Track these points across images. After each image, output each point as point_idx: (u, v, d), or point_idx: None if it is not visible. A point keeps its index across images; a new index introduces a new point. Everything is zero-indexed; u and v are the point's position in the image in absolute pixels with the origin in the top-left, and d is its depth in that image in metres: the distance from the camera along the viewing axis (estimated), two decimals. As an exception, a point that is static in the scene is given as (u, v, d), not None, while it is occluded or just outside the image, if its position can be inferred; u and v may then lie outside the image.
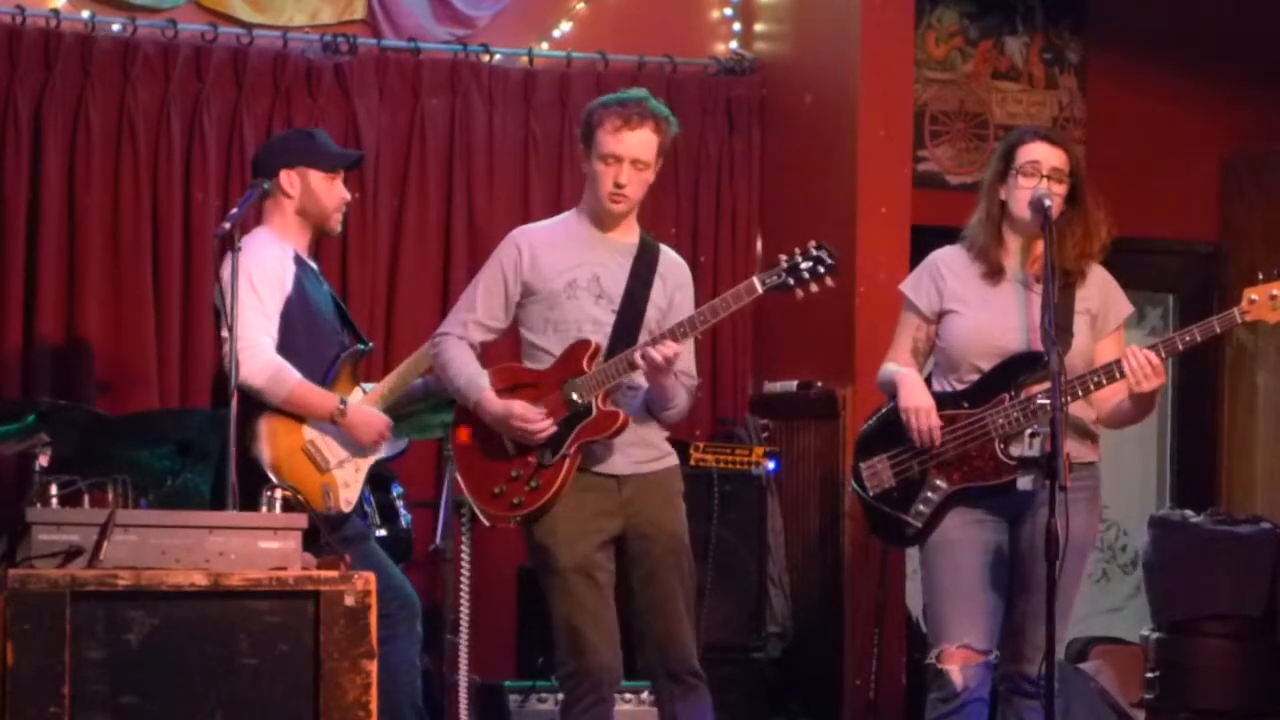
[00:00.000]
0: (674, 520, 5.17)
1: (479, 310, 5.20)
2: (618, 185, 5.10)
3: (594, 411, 5.04)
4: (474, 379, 5.13)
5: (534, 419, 5.04)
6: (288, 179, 5.51)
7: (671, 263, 5.27)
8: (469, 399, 5.14)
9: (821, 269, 5.00)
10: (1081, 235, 5.23)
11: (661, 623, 5.11)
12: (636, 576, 5.13)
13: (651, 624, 5.12)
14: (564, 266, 5.14)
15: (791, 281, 5.01)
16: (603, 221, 5.19)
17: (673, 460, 5.23)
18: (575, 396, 5.04)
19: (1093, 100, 8.40)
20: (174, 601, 4.18)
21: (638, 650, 5.20)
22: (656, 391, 5.09)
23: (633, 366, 5.01)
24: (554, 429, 5.04)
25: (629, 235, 5.23)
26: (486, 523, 5.20)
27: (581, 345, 5.08)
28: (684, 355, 5.15)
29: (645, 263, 5.18)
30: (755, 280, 5.04)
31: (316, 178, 5.53)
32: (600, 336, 5.09)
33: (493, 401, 5.08)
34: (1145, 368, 5.01)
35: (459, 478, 5.23)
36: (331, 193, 5.56)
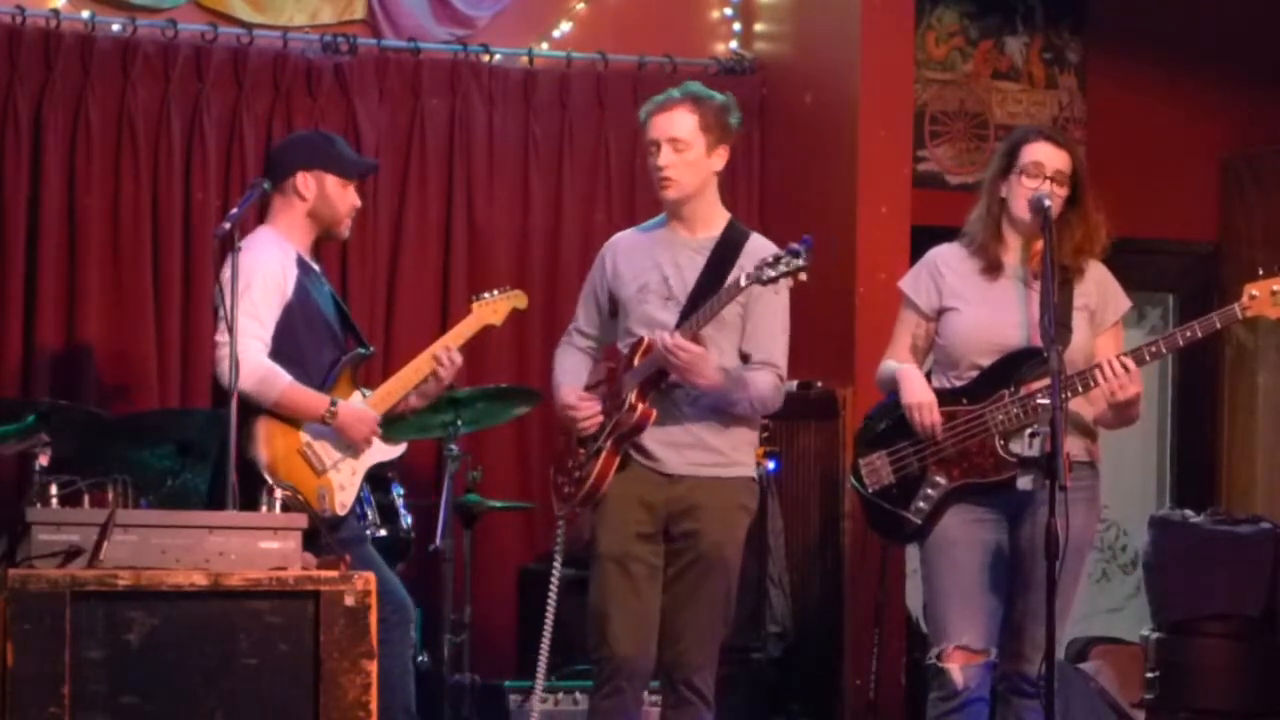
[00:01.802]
0: (720, 530, 5.11)
1: (580, 319, 5.35)
2: (659, 168, 5.10)
3: (626, 406, 5.07)
4: (559, 378, 5.30)
5: (579, 406, 5.15)
6: (304, 180, 5.50)
7: (754, 253, 5.14)
8: (554, 394, 5.31)
9: (798, 261, 4.91)
10: (1082, 237, 5.23)
11: (674, 623, 5.11)
12: (671, 572, 5.13)
13: (668, 622, 5.11)
14: (638, 271, 5.18)
15: (771, 274, 4.93)
16: (680, 218, 5.19)
17: (740, 470, 5.17)
18: (620, 391, 5.10)
19: (1093, 100, 8.40)
20: (174, 601, 4.18)
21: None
22: (698, 390, 5.05)
23: (656, 363, 5.01)
24: (599, 419, 5.12)
25: (710, 229, 5.20)
26: (559, 514, 5.34)
27: (638, 343, 5.11)
28: (764, 342, 5.14)
29: (722, 256, 5.13)
30: (741, 276, 4.99)
31: (333, 183, 5.52)
32: None
33: (558, 393, 5.25)
34: (1122, 376, 5.02)
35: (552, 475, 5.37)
36: (345, 199, 5.56)
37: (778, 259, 4.95)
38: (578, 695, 6.44)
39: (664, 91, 5.24)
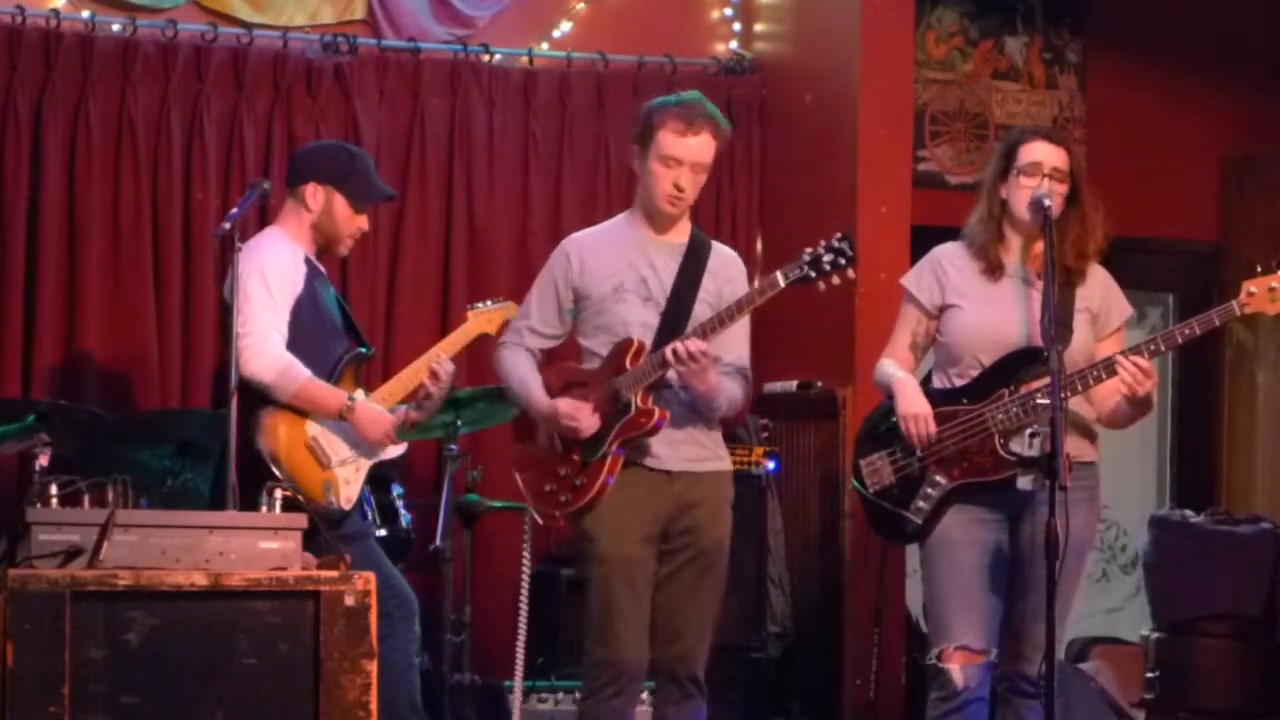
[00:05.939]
0: (717, 525, 5.17)
1: (534, 318, 5.26)
2: (677, 188, 5.10)
3: (632, 409, 5.05)
4: (525, 381, 5.20)
5: (577, 415, 5.08)
6: (313, 193, 5.51)
7: (722, 259, 5.25)
8: (521, 400, 5.23)
9: (843, 260, 4.98)
10: (1079, 235, 5.23)
11: (674, 619, 5.11)
12: (666, 570, 5.12)
13: (665, 619, 5.11)
14: (612, 270, 5.16)
15: (813, 274, 4.98)
16: (655, 222, 5.19)
17: (725, 465, 5.23)
18: (617, 394, 5.06)
19: (1093, 100, 8.40)
20: (174, 601, 4.18)
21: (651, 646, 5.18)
22: (693, 393, 5.07)
23: (665, 363, 5.00)
24: (597, 424, 5.07)
25: (680, 235, 5.23)
26: (540, 521, 5.29)
27: (625, 343, 5.10)
28: (736, 346, 5.17)
29: (694, 261, 5.18)
30: (778, 274, 5.00)
31: (341, 204, 5.54)
32: (648, 338, 5.09)
33: (541, 401, 5.16)
34: (1138, 374, 5.02)
35: (518, 477, 5.28)
36: (350, 222, 5.57)
37: (817, 257, 4.97)
38: (578, 695, 6.44)
39: (680, 99, 5.17)
